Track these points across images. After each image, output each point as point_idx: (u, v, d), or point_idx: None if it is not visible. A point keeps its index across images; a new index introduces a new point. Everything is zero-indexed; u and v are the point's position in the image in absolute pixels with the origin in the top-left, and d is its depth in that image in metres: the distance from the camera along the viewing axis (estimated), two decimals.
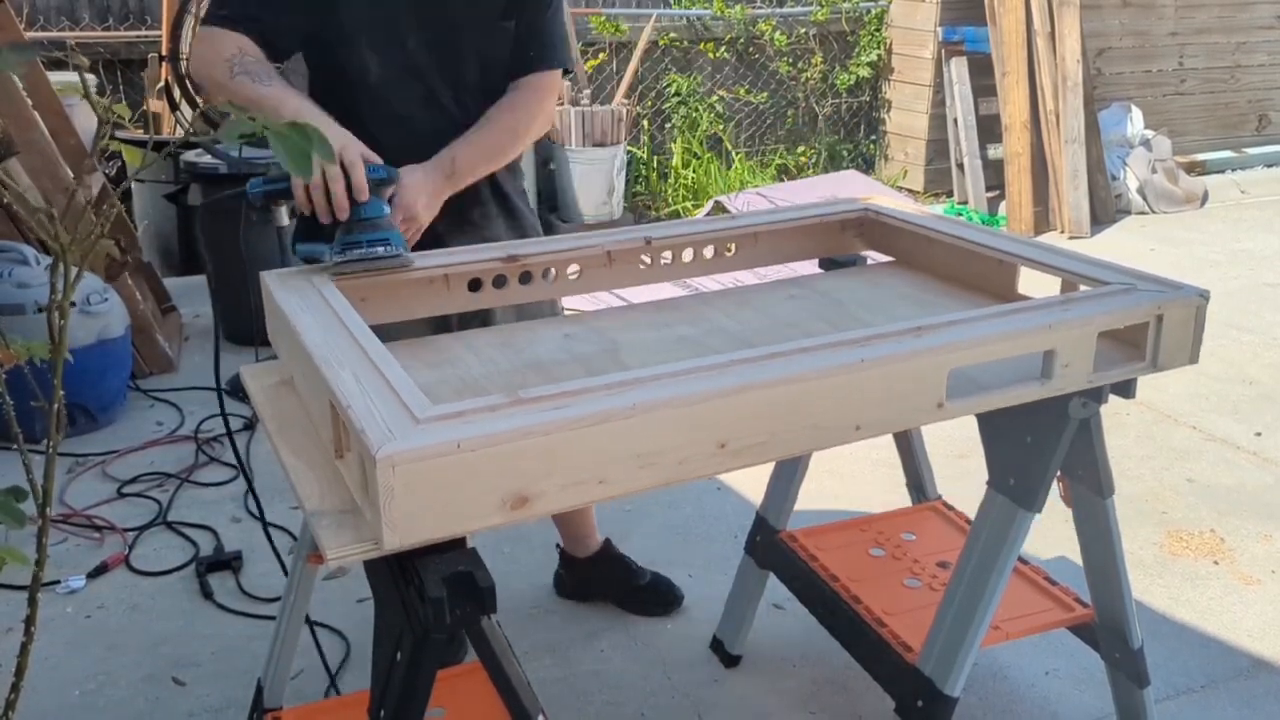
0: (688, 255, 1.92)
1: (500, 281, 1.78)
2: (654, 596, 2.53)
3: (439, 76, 1.93)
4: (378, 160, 1.65)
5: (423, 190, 1.77)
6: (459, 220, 1.97)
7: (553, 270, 1.82)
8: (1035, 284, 1.75)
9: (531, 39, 1.95)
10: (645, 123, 6.15)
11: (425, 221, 1.79)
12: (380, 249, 1.60)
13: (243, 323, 4.57)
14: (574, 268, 1.83)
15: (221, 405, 1.78)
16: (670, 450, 1.25)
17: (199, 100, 3.62)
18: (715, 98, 6.27)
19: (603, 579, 2.54)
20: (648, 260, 1.88)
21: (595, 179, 5.41)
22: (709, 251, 1.94)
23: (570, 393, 1.24)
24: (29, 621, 1.34)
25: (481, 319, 1.92)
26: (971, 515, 1.83)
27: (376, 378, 1.28)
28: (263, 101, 1.67)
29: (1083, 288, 1.66)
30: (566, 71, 2.05)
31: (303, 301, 1.53)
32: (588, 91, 5.64)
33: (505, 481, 1.16)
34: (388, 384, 1.26)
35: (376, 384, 1.26)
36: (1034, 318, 1.49)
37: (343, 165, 1.58)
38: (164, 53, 4.10)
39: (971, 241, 1.83)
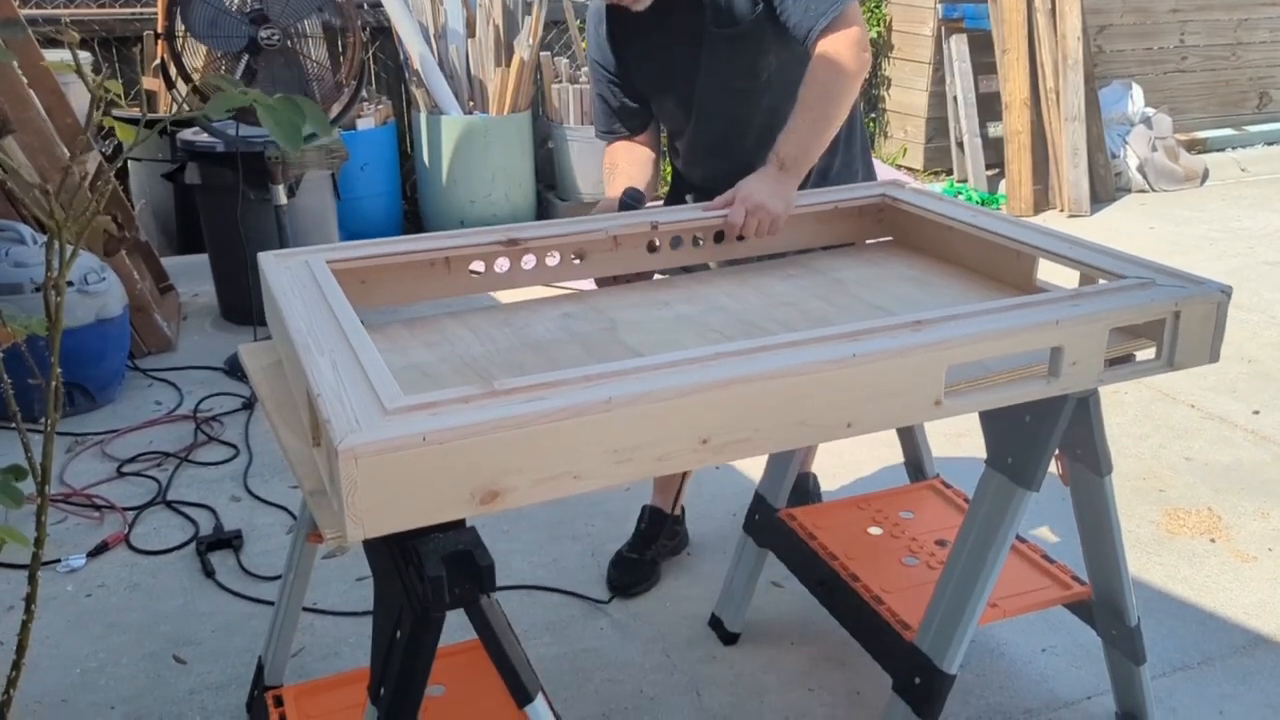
0: (695, 241, 1.90)
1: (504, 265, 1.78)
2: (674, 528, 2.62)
3: (717, 109, 2.13)
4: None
5: (759, 185, 1.89)
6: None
7: (571, 254, 1.82)
8: (1052, 272, 1.74)
9: (794, 2, 1.96)
10: None
11: (777, 210, 1.88)
12: None
13: (240, 301, 4.56)
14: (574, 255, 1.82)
15: None
16: (648, 445, 1.22)
17: (195, 78, 3.60)
18: None
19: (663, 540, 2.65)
20: (656, 244, 1.86)
21: (593, 157, 5.38)
22: (717, 237, 1.92)
23: (546, 385, 1.21)
24: (30, 600, 1.35)
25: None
26: (970, 493, 1.83)
27: (354, 365, 1.26)
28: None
29: (1100, 281, 1.62)
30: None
31: (294, 283, 1.52)
32: (586, 69, 5.61)
33: (474, 475, 1.14)
34: (363, 372, 1.24)
35: (352, 372, 1.24)
36: (1041, 312, 1.45)
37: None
38: (160, 30, 4.07)
39: (992, 232, 1.80)
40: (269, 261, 1.61)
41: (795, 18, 1.96)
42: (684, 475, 2.51)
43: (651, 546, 2.57)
